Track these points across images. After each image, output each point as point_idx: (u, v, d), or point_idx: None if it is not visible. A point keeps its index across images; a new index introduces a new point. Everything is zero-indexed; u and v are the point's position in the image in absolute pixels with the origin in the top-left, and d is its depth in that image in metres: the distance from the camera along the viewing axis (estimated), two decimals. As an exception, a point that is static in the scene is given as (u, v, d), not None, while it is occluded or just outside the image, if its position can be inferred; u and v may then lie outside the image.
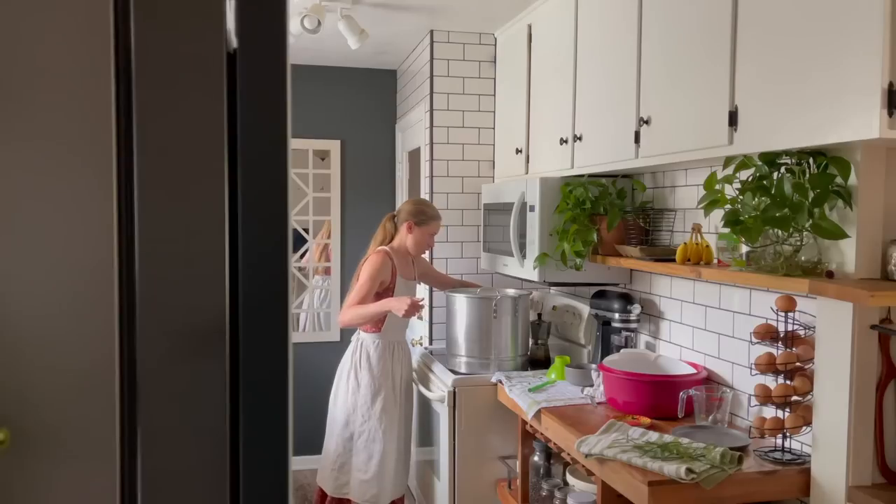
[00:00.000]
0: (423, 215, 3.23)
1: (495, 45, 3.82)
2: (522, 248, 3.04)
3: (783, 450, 2.04)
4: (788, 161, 1.89)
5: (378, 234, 3.32)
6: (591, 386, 2.69)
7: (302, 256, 4.73)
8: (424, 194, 3.92)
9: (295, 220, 4.64)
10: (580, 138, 2.78)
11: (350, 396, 3.15)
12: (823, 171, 1.79)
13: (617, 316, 2.86)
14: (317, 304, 4.83)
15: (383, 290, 3.15)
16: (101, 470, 0.82)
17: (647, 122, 2.30)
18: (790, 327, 2.02)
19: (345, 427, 3.15)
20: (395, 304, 3.05)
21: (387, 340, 3.19)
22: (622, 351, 2.77)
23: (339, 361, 4.71)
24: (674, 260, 2.34)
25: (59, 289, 0.81)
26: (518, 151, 3.43)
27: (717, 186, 2.05)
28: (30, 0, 0.80)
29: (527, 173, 3.34)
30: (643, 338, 2.91)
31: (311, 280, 4.77)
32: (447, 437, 3.06)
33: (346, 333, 4.75)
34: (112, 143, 0.82)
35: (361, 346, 3.19)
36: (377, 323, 3.16)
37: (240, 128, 0.85)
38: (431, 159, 3.78)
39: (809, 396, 1.96)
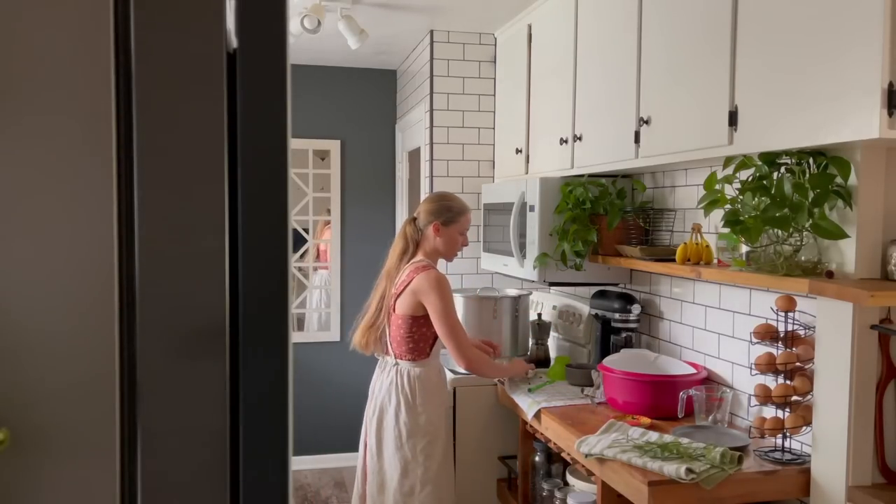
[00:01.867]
0: (450, 212, 2.78)
1: (495, 45, 3.82)
2: (522, 248, 3.04)
3: (783, 450, 2.04)
4: (788, 161, 1.89)
5: (398, 243, 2.81)
6: (591, 386, 2.69)
7: (302, 256, 4.73)
8: (424, 194, 3.92)
9: (295, 220, 4.64)
10: (580, 138, 2.78)
11: (407, 441, 2.62)
12: (823, 171, 1.79)
13: (617, 316, 2.86)
14: (317, 304, 4.83)
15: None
16: (101, 470, 0.82)
17: (647, 122, 2.30)
18: (790, 327, 2.02)
19: (403, 478, 2.61)
20: (519, 369, 2.92)
21: (437, 366, 2.75)
22: (622, 351, 2.77)
23: (338, 361, 4.64)
24: (674, 260, 2.34)
25: (59, 289, 0.81)
26: (518, 151, 3.43)
27: (717, 186, 2.05)
28: (30, 1, 0.80)
29: (527, 173, 3.34)
30: (643, 338, 2.91)
31: (310, 279, 4.77)
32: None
33: (348, 333, 4.75)
34: (112, 143, 0.82)
35: (408, 378, 2.66)
36: (427, 347, 2.70)
37: (240, 128, 0.85)
38: (431, 159, 3.78)
39: (809, 396, 1.96)
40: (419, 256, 2.76)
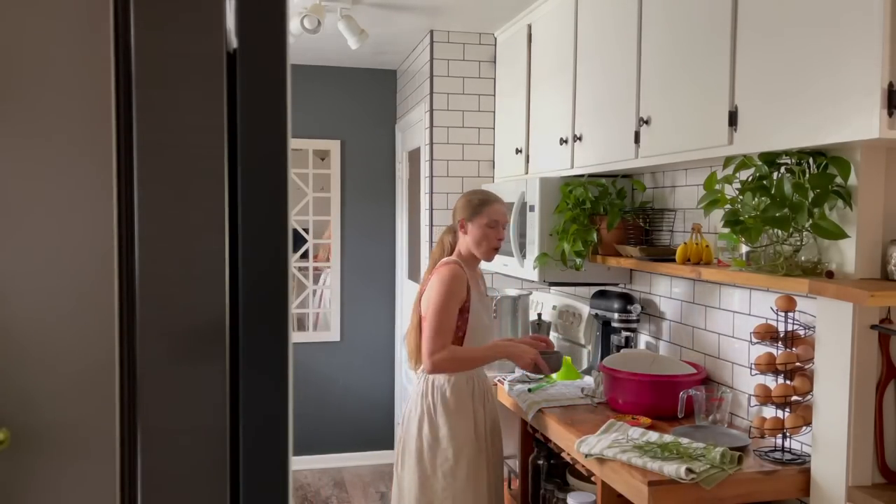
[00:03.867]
0: (471, 205, 2.61)
1: (495, 45, 3.82)
2: (522, 248, 3.04)
3: (783, 450, 2.04)
4: (788, 161, 1.89)
5: (435, 251, 2.71)
6: (591, 386, 2.69)
7: (302, 256, 4.73)
8: (425, 194, 3.92)
9: (295, 220, 4.64)
10: (580, 138, 2.78)
11: (427, 454, 2.48)
12: (823, 171, 1.79)
13: (617, 316, 2.86)
14: (323, 304, 4.84)
15: (458, 313, 2.53)
16: (101, 470, 0.82)
17: (646, 122, 2.30)
18: (790, 327, 2.02)
19: (421, 494, 2.48)
20: (516, 351, 2.56)
21: (465, 377, 2.55)
22: (622, 351, 2.77)
23: (338, 361, 4.63)
24: (674, 260, 2.34)
25: (59, 289, 0.81)
26: (518, 151, 3.43)
27: (717, 186, 2.05)
28: (30, 0, 0.80)
29: (527, 173, 3.34)
30: (643, 338, 2.91)
31: (320, 279, 4.77)
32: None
33: (348, 333, 4.77)
34: (112, 143, 0.82)
35: (432, 388, 2.52)
36: None
37: (240, 128, 0.85)
38: (431, 159, 3.78)
39: (809, 396, 1.96)
40: (454, 256, 2.63)
